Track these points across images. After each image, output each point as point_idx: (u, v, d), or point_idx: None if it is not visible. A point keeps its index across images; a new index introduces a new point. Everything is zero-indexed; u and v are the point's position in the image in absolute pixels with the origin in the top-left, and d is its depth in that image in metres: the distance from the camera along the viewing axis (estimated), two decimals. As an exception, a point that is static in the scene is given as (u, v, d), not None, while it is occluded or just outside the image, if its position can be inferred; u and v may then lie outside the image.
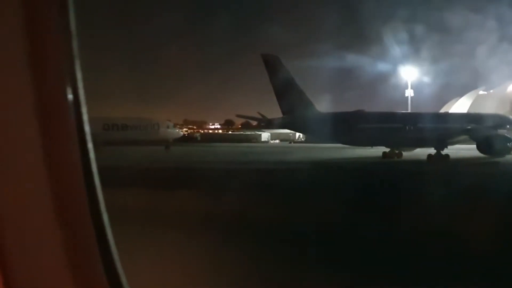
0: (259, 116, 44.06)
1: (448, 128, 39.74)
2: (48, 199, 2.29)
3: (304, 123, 38.61)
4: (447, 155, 37.20)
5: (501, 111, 65.19)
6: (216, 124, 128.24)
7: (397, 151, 40.12)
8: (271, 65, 38.56)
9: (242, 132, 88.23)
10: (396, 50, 67.01)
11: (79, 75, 2.46)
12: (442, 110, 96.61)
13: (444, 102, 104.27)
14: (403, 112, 50.41)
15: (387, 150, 40.50)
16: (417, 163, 37.21)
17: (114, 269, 2.51)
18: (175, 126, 60.80)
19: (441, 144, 37.04)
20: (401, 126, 38.68)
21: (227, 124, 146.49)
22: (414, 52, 68.13)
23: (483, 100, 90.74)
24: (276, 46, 73.25)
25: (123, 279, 2.54)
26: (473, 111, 76.59)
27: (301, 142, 79.27)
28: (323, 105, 44.53)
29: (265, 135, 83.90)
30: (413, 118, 42.50)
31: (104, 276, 2.43)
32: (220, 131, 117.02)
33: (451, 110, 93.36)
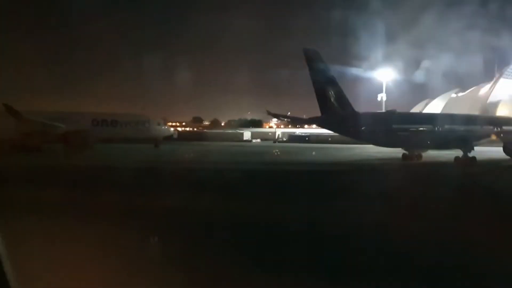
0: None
1: (478, 130, 39.94)
2: None
3: (343, 123, 37.80)
4: (474, 158, 36.35)
5: (473, 113, 67.82)
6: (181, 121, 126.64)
7: (416, 153, 39.18)
8: (312, 60, 37.54)
9: (223, 131, 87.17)
10: (367, 51, 67.65)
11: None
12: (415, 109, 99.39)
13: (414, 103, 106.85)
14: (433, 114, 50.35)
15: (405, 151, 39.49)
16: (447, 166, 35.98)
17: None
18: (165, 123, 58.97)
19: (469, 146, 36.74)
20: (433, 128, 38.67)
21: (196, 122, 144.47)
22: (384, 54, 68.65)
23: (456, 102, 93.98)
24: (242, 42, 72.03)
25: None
26: (446, 112, 79.21)
27: (283, 141, 78.89)
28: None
29: (247, 134, 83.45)
30: (444, 119, 42.16)
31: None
32: (188, 128, 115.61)
33: (424, 111, 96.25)
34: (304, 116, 44.59)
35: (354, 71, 72.48)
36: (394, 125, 37.67)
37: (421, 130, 38.60)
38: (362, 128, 36.37)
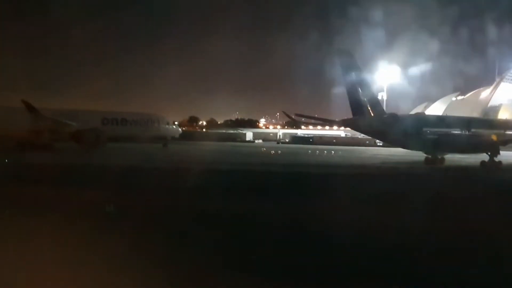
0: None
1: (505, 134, 39.45)
2: None
3: (374, 126, 37.00)
4: (500, 162, 35.92)
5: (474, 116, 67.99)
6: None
7: (440, 157, 38.37)
8: (345, 61, 36.94)
9: (225, 131, 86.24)
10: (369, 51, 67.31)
11: None
12: (414, 111, 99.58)
13: (414, 106, 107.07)
14: (462, 117, 49.65)
15: (428, 155, 38.62)
16: (477, 170, 35.11)
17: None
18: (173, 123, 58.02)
19: (497, 150, 36.42)
20: (462, 132, 38.06)
21: (192, 121, 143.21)
22: (387, 55, 68.38)
23: (458, 105, 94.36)
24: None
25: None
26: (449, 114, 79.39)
27: (286, 142, 78.21)
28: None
29: (249, 135, 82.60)
30: (472, 123, 41.56)
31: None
32: (183, 128, 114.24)
33: (427, 111, 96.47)
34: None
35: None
36: (425, 128, 37.05)
37: (452, 133, 38.03)
38: (393, 131, 35.64)
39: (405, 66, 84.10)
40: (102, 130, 45.26)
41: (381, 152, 47.19)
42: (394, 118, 37.85)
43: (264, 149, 58.85)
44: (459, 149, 38.46)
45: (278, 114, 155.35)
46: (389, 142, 42.60)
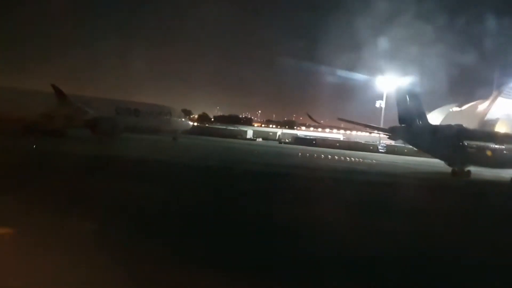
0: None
1: None
2: None
3: (418, 136, 36.71)
4: None
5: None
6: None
7: (466, 170, 37.66)
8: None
9: (225, 127, 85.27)
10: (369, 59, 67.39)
11: None
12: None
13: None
14: (499, 132, 49.50)
15: (453, 166, 37.95)
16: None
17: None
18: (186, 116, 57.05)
19: None
20: (501, 146, 38.13)
21: (186, 115, 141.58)
22: (387, 63, 68.51)
23: (456, 116, 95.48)
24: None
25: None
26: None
27: (286, 143, 77.65)
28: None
29: (250, 133, 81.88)
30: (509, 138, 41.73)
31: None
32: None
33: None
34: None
35: (354, 76, 72.69)
36: (466, 142, 37.04)
37: (492, 148, 38.05)
38: (434, 143, 35.58)
39: (404, 74, 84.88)
40: (119, 119, 44.07)
41: (394, 159, 47.00)
42: (435, 129, 37.89)
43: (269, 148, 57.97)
44: (495, 164, 38.26)
45: (259, 112, 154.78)
46: (428, 152, 41.84)
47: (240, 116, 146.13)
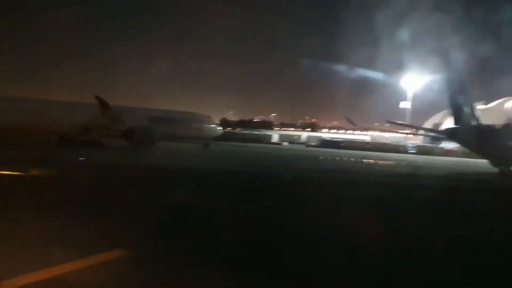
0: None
1: None
2: None
3: (474, 137, 35.49)
4: None
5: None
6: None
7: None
8: (449, 68, 36.31)
9: (249, 132, 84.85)
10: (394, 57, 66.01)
11: None
12: (430, 121, 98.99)
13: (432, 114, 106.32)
14: None
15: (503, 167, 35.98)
16: None
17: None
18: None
19: None
20: None
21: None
22: (411, 61, 66.90)
23: (482, 114, 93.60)
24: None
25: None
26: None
27: (312, 146, 76.76)
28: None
29: (275, 136, 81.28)
30: None
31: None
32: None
33: (446, 122, 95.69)
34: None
35: (377, 76, 71.49)
36: None
37: None
38: (493, 144, 34.49)
39: (429, 74, 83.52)
40: (154, 128, 43.99)
41: (431, 160, 45.73)
42: (492, 130, 36.63)
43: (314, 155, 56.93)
44: None
45: (273, 114, 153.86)
46: (484, 155, 40.18)
47: (256, 119, 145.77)
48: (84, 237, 8.97)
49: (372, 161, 46.31)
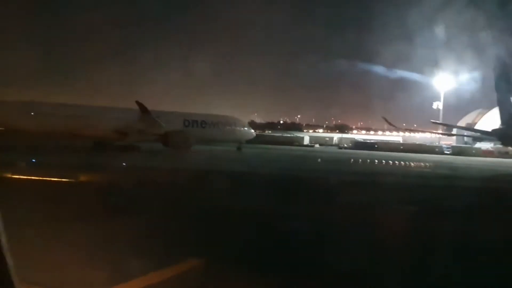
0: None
1: None
2: None
3: None
4: None
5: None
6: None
7: None
8: (502, 68, 35.18)
9: (281, 134, 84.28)
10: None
11: None
12: (463, 121, 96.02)
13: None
14: None
15: None
16: None
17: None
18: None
19: None
20: None
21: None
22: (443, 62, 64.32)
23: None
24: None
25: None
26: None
27: (345, 148, 75.52)
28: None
29: (307, 139, 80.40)
30: None
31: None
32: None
33: (481, 122, 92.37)
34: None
35: (409, 76, 69.48)
36: None
37: None
38: None
39: (461, 73, 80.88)
40: (189, 132, 44.14)
41: (469, 161, 43.75)
42: None
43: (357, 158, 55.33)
44: None
45: (298, 116, 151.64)
46: None
47: (280, 121, 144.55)
48: (160, 246, 8.76)
49: (422, 164, 44.38)
